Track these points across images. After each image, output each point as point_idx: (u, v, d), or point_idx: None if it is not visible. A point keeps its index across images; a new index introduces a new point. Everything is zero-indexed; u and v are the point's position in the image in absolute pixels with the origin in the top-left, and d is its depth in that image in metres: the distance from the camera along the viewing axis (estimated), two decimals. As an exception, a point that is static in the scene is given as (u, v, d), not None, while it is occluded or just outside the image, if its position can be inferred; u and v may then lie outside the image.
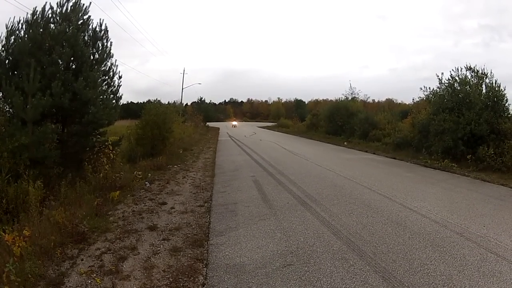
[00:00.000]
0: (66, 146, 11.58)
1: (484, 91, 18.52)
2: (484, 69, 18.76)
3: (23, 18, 11.74)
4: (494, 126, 17.16)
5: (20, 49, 11.12)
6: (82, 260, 6.03)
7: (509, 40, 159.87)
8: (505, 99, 17.96)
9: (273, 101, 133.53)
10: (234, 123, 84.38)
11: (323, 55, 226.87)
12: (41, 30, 11.47)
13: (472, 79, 19.01)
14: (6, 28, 11.50)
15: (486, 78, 18.62)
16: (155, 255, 6.31)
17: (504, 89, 18.06)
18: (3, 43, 11.51)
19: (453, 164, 16.85)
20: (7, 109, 11.05)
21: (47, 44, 11.37)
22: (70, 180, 10.10)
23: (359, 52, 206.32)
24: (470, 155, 16.64)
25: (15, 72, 11.27)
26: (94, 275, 5.43)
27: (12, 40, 11.55)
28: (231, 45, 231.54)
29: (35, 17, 11.68)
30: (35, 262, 5.53)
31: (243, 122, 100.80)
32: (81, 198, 9.28)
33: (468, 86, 18.76)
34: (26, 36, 11.49)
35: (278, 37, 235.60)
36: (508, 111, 17.96)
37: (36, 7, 11.82)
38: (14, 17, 11.63)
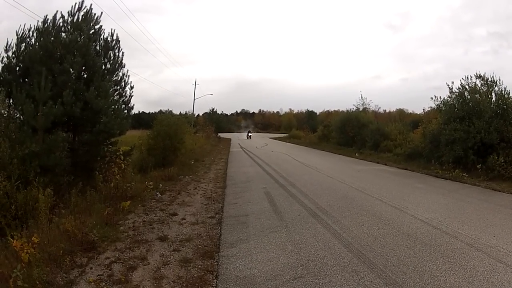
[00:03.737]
0: (77, 155, 11.62)
1: (493, 99, 18.50)
2: (493, 76, 18.79)
3: (34, 25, 11.85)
4: (504, 134, 17.09)
5: (31, 56, 11.23)
6: (91, 268, 6.09)
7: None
8: None
9: (285, 112, 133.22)
10: (249, 134, 75.82)
11: (335, 65, 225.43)
12: (52, 38, 11.55)
13: (482, 87, 18.98)
14: (17, 35, 11.62)
15: (495, 86, 18.63)
16: (165, 265, 6.32)
17: None
18: (13, 50, 11.63)
19: (464, 174, 16.79)
20: (18, 115, 11.13)
21: (58, 53, 11.44)
22: (80, 188, 10.11)
23: (372, 62, 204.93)
24: (480, 165, 16.57)
25: (26, 80, 11.34)
26: (103, 284, 5.45)
27: (23, 47, 11.65)
28: (243, 56, 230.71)
29: (46, 25, 11.78)
30: (43, 269, 5.57)
31: (255, 133, 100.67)
32: (91, 207, 9.34)
33: (478, 95, 18.72)
34: (37, 44, 11.58)
35: (290, 48, 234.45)
36: None
37: (47, 15, 11.95)
38: (25, 24, 11.74)
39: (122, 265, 6.27)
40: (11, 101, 11.08)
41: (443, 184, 15.24)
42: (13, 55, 11.61)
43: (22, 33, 11.68)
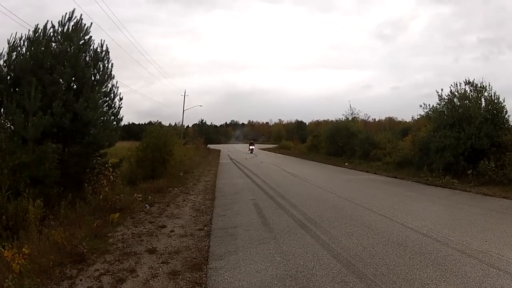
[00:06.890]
0: (67, 166, 11.58)
1: (483, 104, 18.71)
2: (482, 82, 19.02)
3: (25, 34, 11.84)
4: (495, 139, 17.31)
5: (21, 66, 11.20)
6: (81, 280, 6.02)
7: (507, 52, 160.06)
8: (505, 110, 18.24)
9: (274, 122, 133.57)
10: (252, 147, 60.94)
11: (325, 75, 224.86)
12: (43, 48, 11.53)
13: (471, 93, 19.19)
14: (8, 43, 11.59)
15: (485, 91, 18.84)
16: (154, 278, 6.25)
17: (503, 101, 18.36)
18: (4, 59, 11.58)
19: (454, 180, 16.90)
20: (8, 125, 11.07)
21: (48, 63, 11.43)
22: (70, 200, 10.07)
23: (362, 72, 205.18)
24: (471, 170, 16.72)
25: (17, 89, 11.30)
26: (93, 296, 5.40)
27: (14, 56, 11.62)
28: (233, 67, 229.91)
29: (36, 35, 11.75)
30: (34, 280, 5.57)
31: (244, 144, 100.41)
32: (80, 219, 9.26)
33: (467, 101, 18.92)
34: (28, 53, 11.55)
35: (281, 59, 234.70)
36: (508, 122, 18.16)
37: (37, 24, 11.94)
38: (16, 32, 11.70)
39: (111, 277, 6.20)
40: (1, 110, 11.05)
41: (433, 191, 15.35)
42: (4, 64, 11.57)
43: (13, 41, 11.66)
